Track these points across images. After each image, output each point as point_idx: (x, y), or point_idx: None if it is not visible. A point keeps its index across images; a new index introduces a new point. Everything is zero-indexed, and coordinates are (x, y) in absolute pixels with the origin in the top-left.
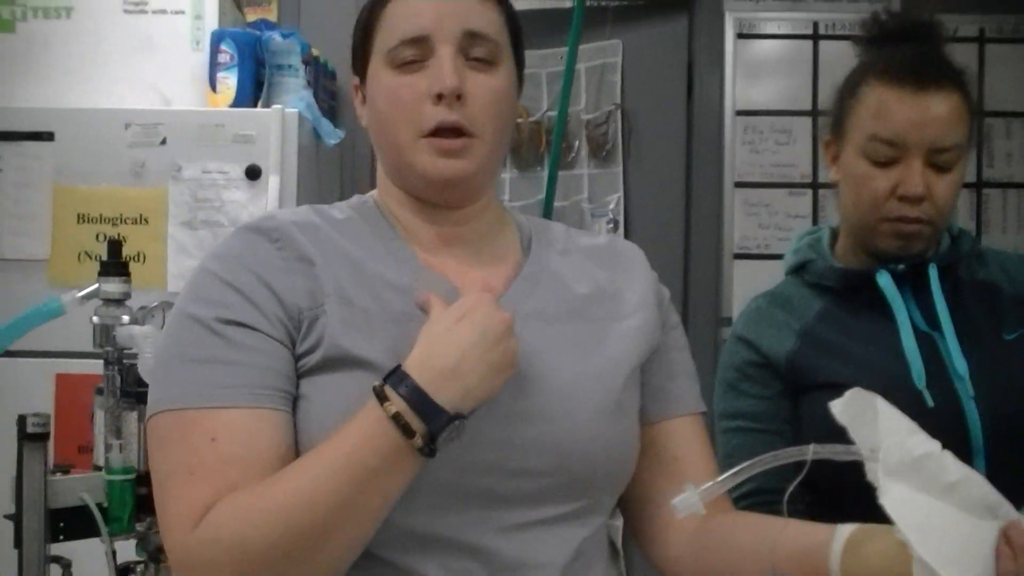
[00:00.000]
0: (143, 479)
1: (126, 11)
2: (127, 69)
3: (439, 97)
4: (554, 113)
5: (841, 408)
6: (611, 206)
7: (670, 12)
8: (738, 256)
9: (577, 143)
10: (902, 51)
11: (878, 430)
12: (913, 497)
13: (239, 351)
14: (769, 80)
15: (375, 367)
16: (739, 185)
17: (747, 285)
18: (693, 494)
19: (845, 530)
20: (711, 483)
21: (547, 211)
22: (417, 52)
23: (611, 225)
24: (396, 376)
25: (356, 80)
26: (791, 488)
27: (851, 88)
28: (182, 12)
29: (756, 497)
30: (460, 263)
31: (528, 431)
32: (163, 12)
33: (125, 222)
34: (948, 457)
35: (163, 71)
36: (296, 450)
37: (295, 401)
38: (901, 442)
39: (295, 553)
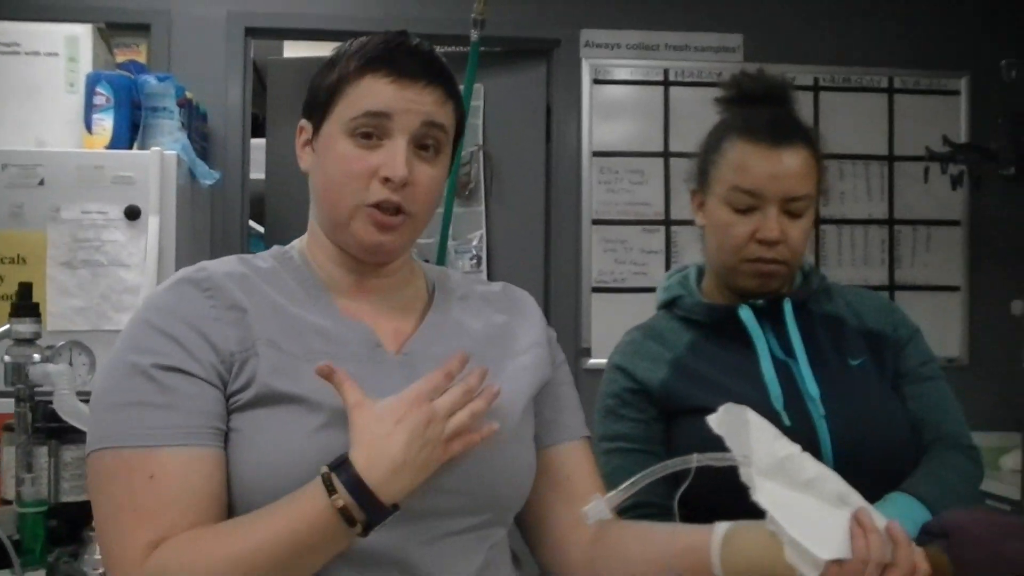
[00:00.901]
0: (54, 512)
1: None
2: (2, 111)
3: (386, 180)
4: None
5: (717, 421)
6: (474, 243)
7: (529, 58)
8: (596, 290)
9: None
10: (759, 111)
11: (749, 438)
12: (781, 492)
13: (174, 395)
14: (623, 123)
15: (302, 401)
16: (596, 222)
17: (605, 317)
18: (600, 502)
19: (723, 526)
20: (614, 492)
21: (443, 246)
22: (375, 127)
23: (474, 261)
24: (343, 467)
25: (303, 122)
26: (680, 491)
27: (714, 143)
28: (56, 54)
29: (641, 509)
30: (375, 310)
31: None
32: (36, 54)
33: (3, 262)
34: (806, 457)
35: (37, 113)
36: (229, 480)
37: (227, 435)
38: (768, 446)
39: None
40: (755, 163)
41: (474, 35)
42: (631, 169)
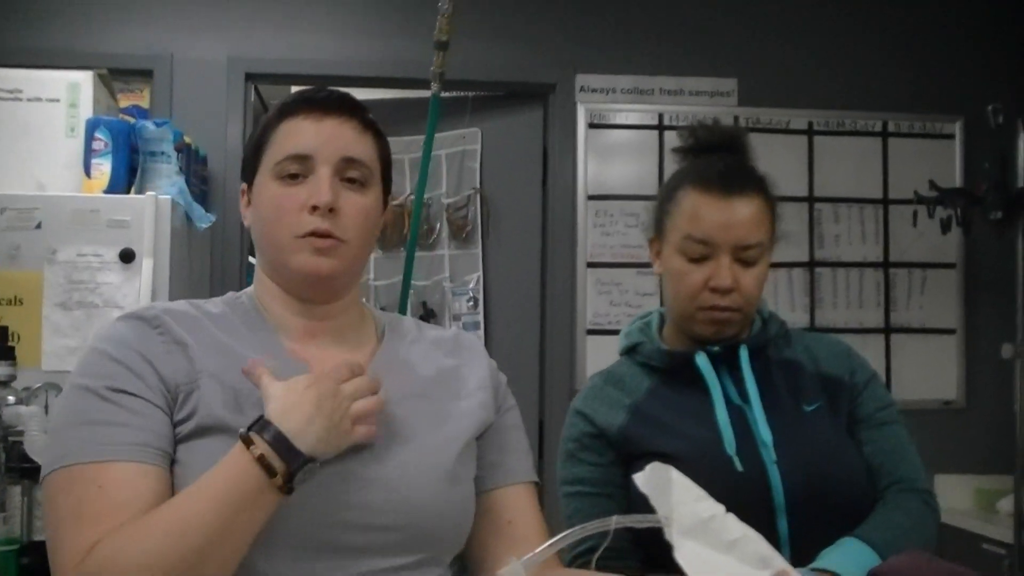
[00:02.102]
0: (26, 549)
1: (1, 99)
2: (2, 155)
3: (314, 208)
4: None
5: (643, 480)
6: (471, 285)
7: (526, 102)
8: (590, 332)
9: (439, 225)
10: (712, 161)
11: (671, 497)
12: (702, 552)
13: (125, 414)
14: (618, 167)
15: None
16: (591, 265)
17: (599, 359)
18: (517, 564)
19: None
20: (530, 554)
21: (405, 290)
22: (300, 168)
23: (471, 303)
24: (260, 424)
25: (244, 186)
26: (599, 552)
27: (669, 193)
28: (57, 100)
29: (593, 554)
30: (324, 353)
31: (378, 494)
32: (38, 100)
33: (1, 303)
34: (730, 519)
35: (38, 157)
36: None
37: (172, 466)
38: (691, 507)
39: None
40: (707, 212)
41: (434, 87)
42: (626, 212)
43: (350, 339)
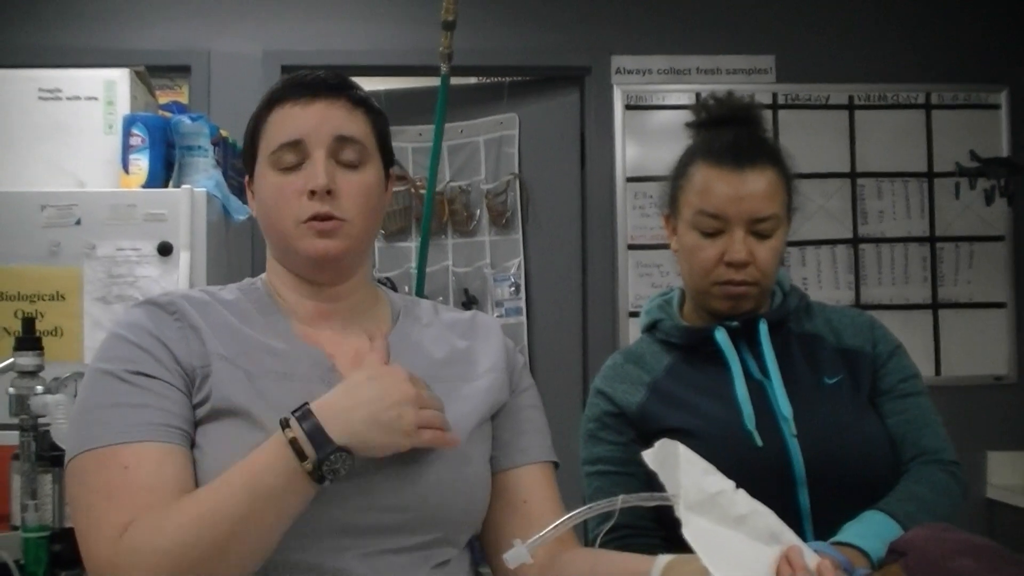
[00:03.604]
0: (57, 536)
1: (41, 98)
2: (42, 153)
3: (312, 193)
4: (456, 184)
5: (651, 457)
6: (512, 270)
7: (562, 86)
8: (632, 314)
9: (478, 212)
10: (723, 134)
11: (679, 473)
12: (710, 528)
13: (145, 396)
14: (656, 148)
15: (253, 417)
16: (631, 247)
17: None
18: (521, 548)
19: (663, 559)
20: (535, 537)
21: (420, 277)
22: (295, 155)
23: (513, 289)
24: (302, 411)
25: (247, 178)
26: (607, 529)
27: (681, 168)
28: (95, 99)
29: (615, 533)
30: (336, 335)
31: (384, 474)
32: (77, 99)
33: (42, 299)
34: (740, 494)
35: (77, 155)
36: (196, 485)
37: (191, 448)
38: (698, 482)
39: (204, 560)
40: (718, 186)
41: (443, 68)
42: None
43: (363, 321)
